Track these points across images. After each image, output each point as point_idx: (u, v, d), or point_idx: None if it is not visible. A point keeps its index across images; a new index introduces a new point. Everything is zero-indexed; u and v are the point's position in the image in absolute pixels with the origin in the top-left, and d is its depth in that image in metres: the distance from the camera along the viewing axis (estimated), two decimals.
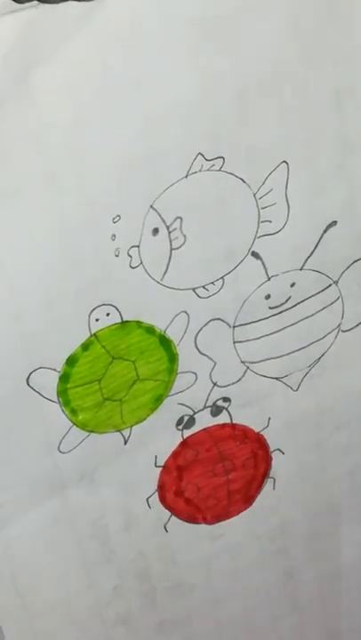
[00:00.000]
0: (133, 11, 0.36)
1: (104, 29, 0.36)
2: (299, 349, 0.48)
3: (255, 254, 0.44)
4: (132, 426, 0.46)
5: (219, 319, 0.45)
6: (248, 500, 0.52)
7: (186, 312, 0.44)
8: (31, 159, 0.37)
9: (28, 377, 0.42)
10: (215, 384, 0.47)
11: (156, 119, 0.38)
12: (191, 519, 0.51)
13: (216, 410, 0.48)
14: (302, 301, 0.47)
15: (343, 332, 0.49)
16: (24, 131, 0.36)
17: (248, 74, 0.39)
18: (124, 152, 0.38)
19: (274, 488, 0.52)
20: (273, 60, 0.40)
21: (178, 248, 0.41)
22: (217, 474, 0.50)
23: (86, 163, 0.38)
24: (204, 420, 0.48)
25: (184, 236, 0.41)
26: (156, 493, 0.49)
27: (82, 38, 0.36)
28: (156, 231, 0.40)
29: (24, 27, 0.34)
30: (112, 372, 0.43)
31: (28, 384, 0.42)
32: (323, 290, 0.47)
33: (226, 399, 0.48)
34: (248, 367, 0.47)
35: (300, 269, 0.46)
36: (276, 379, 0.48)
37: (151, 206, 0.40)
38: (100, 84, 0.37)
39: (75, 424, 0.44)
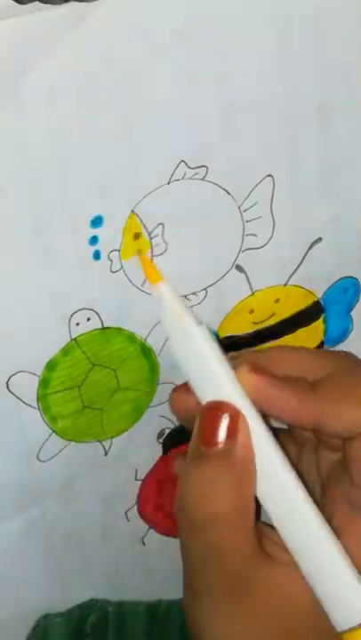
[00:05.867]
0: (120, 19, 0.36)
1: (91, 35, 0.36)
2: None
3: (239, 268, 0.44)
4: (113, 437, 0.46)
5: None
6: None
7: None
8: (14, 161, 0.37)
9: (8, 381, 0.42)
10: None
11: (139, 125, 0.38)
12: (169, 533, 0.51)
13: None
14: (286, 317, 0.47)
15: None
16: (9, 133, 0.36)
17: (233, 87, 0.40)
18: (107, 156, 0.38)
19: None
20: (258, 75, 0.40)
21: (159, 255, 0.42)
22: None
23: (69, 166, 0.38)
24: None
25: (166, 243, 0.41)
26: (136, 506, 0.49)
27: (70, 43, 0.36)
28: (137, 236, 0.41)
29: (16, 32, 0.35)
30: (92, 378, 0.44)
31: (8, 388, 0.42)
32: (307, 307, 0.47)
33: None
34: None
35: (285, 285, 0.46)
36: None
37: (132, 210, 0.40)
38: (85, 89, 0.37)
39: (54, 431, 0.44)
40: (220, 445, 0.38)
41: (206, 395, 0.40)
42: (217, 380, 0.39)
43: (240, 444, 0.39)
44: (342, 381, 0.41)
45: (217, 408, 0.39)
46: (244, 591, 0.39)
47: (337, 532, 0.39)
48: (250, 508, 0.39)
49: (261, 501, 0.40)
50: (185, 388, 0.41)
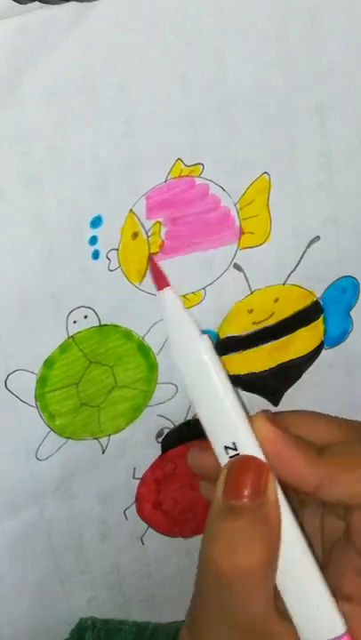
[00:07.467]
0: (119, 19, 0.37)
1: (90, 35, 0.36)
2: (280, 365, 0.48)
3: (238, 267, 0.44)
4: (110, 435, 0.46)
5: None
6: None
7: None
8: (13, 161, 0.37)
9: (6, 379, 0.42)
10: None
11: (136, 124, 0.38)
12: (168, 532, 0.51)
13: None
14: (285, 317, 0.47)
15: (325, 349, 0.49)
16: (7, 133, 0.37)
17: (230, 85, 0.40)
18: (105, 155, 0.38)
19: None
20: (255, 73, 0.40)
21: (156, 253, 0.42)
22: (195, 487, 0.50)
23: (67, 165, 0.38)
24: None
25: (163, 241, 0.42)
26: (134, 505, 0.49)
27: (70, 43, 0.36)
28: (135, 235, 0.41)
29: (17, 31, 0.35)
30: (89, 376, 0.44)
31: (6, 387, 0.42)
32: (306, 306, 0.47)
33: None
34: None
35: (284, 284, 0.46)
36: (257, 394, 0.48)
37: (130, 210, 0.40)
38: (84, 88, 0.37)
39: (52, 429, 0.44)
40: (252, 500, 0.39)
41: (208, 414, 0.41)
42: (221, 403, 0.40)
43: (270, 499, 0.39)
44: (350, 450, 0.41)
45: (248, 462, 0.40)
46: None
47: (348, 598, 0.40)
48: (275, 564, 0.39)
49: None
50: (201, 445, 0.42)
